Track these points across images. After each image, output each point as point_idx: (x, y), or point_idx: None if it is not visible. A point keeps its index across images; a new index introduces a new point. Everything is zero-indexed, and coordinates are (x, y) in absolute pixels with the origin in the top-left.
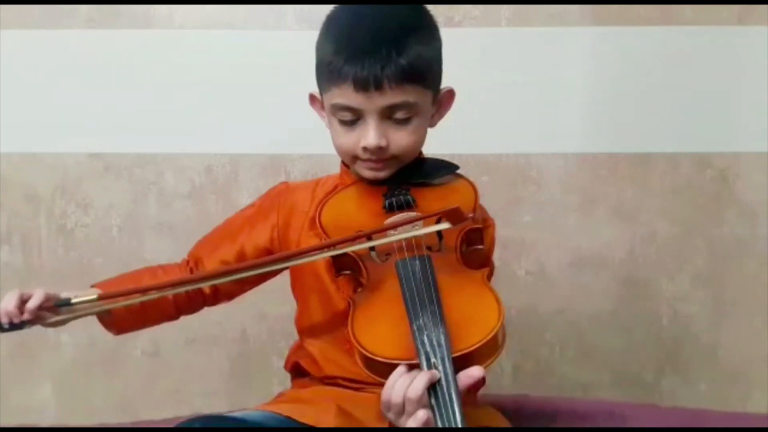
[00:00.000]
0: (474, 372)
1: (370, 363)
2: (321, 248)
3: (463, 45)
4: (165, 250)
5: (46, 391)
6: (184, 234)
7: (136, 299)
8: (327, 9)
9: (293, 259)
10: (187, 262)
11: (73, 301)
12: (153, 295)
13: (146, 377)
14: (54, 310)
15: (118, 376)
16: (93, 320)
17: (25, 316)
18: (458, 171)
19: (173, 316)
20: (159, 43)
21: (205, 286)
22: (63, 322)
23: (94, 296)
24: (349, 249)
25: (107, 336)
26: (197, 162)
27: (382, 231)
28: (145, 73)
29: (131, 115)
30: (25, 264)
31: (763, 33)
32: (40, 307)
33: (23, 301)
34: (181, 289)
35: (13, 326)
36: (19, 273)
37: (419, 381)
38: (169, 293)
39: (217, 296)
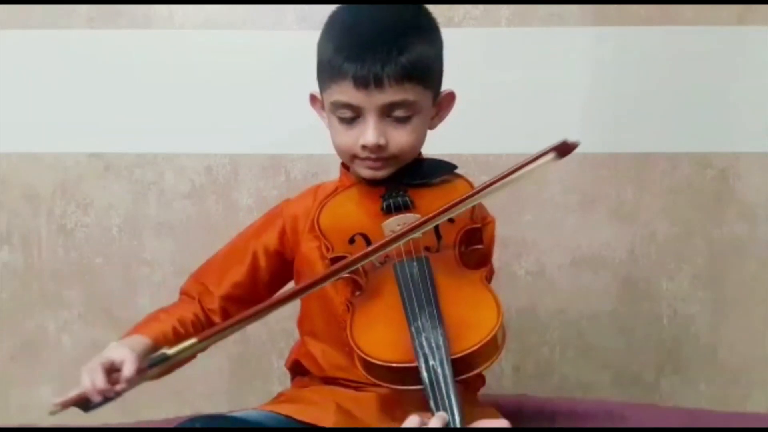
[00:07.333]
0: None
1: (370, 366)
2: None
3: (463, 45)
4: (165, 250)
5: (46, 391)
6: (184, 234)
7: (228, 333)
8: (327, 9)
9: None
10: (192, 297)
11: (170, 353)
12: (242, 326)
13: None
14: (145, 371)
15: None
16: (92, 320)
17: (121, 387)
18: (457, 170)
19: (194, 356)
20: (159, 43)
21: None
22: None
23: (194, 340)
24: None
25: (107, 336)
26: (197, 162)
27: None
28: (145, 73)
29: (131, 115)
30: (25, 264)
31: (763, 33)
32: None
33: (110, 371)
34: (261, 318)
35: (105, 401)
36: (19, 273)
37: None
38: (251, 323)
39: None
